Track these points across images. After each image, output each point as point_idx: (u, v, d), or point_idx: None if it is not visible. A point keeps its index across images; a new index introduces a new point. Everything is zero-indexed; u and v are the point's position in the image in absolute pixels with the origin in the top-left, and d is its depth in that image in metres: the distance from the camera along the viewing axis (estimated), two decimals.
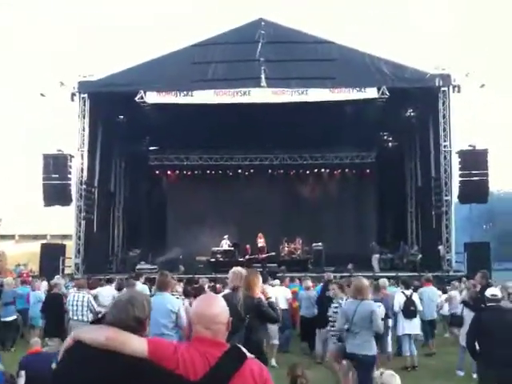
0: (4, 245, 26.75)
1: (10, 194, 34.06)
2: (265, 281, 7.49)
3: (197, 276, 15.46)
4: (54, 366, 8.25)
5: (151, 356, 2.12)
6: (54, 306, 9.75)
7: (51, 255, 20.10)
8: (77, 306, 9.46)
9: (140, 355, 2.10)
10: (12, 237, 34.46)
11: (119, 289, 11.38)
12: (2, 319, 11.94)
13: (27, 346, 8.41)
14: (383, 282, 10.22)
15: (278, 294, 7.85)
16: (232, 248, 21.21)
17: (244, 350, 2.21)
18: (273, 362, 9.00)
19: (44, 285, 13.15)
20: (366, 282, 6.55)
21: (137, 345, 2.13)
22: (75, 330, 2.37)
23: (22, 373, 7.39)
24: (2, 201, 32.02)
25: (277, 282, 12.54)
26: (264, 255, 21.16)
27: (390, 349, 9.46)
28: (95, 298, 11.58)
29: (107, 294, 10.76)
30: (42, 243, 23.18)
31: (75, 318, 9.46)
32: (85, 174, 19.63)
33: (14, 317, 12.02)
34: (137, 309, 2.27)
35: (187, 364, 2.14)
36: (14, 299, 12.11)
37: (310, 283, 11.51)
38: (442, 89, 18.98)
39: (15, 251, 28.41)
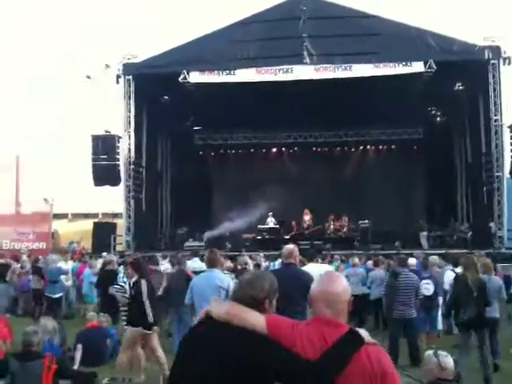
0: (57, 223, 27.73)
1: (62, 175, 35.16)
2: (312, 257, 7.57)
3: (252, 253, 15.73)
4: (108, 341, 8.61)
5: (269, 332, 2.16)
6: (108, 282, 10.09)
7: (103, 233, 20.93)
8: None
9: (259, 330, 2.16)
10: (65, 216, 35.61)
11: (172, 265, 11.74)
12: (47, 294, 12.03)
13: (84, 321, 8.80)
14: (433, 259, 10.12)
15: (322, 270, 7.95)
16: (277, 226, 21.30)
17: (364, 334, 2.16)
18: None
19: (100, 262, 13.38)
20: (489, 260, 8.06)
21: (256, 320, 2.19)
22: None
23: (79, 346, 7.78)
24: (55, 181, 33.11)
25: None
26: (310, 230, 21.23)
27: (440, 326, 9.53)
28: None
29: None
30: (94, 222, 24.04)
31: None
32: (132, 154, 19.99)
33: (61, 294, 12.20)
34: (254, 289, 2.33)
35: (305, 342, 2.14)
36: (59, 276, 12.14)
37: (357, 260, 11.58)
38: (492, 61, 18.24)
39: (68, 229, 29.44)
